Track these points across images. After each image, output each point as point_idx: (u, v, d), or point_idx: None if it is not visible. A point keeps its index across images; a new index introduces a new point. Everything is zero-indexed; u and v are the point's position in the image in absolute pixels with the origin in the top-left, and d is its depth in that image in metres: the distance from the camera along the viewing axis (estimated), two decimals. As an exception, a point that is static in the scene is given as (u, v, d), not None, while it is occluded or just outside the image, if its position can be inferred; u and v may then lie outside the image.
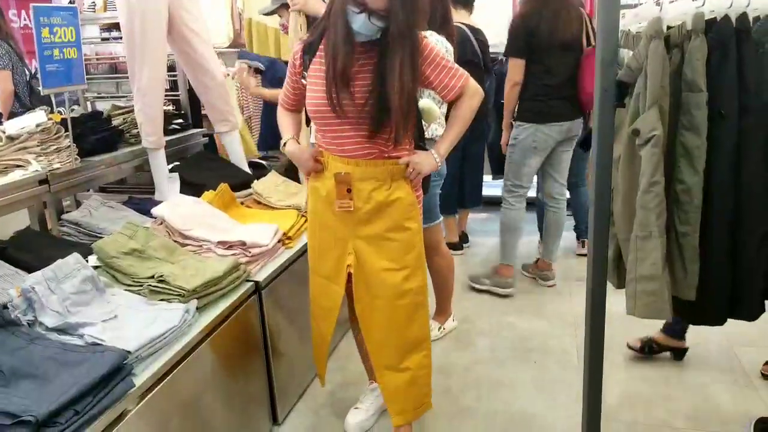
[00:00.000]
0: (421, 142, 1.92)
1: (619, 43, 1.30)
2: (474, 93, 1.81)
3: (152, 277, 1.84)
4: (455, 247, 3.91)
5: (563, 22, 2.86)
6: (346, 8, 1.63)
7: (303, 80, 1.80)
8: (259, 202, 2.79)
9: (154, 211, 2.27)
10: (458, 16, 3.46)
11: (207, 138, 3.48)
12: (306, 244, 2.45)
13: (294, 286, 2.35)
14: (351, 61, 1.66)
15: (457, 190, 3.88)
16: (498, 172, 4.55)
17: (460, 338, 2.87)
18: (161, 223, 2.24)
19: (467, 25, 3.46)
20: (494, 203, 4.61)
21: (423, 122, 1.99)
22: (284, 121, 1.96)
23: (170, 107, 3.40)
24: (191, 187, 2.82)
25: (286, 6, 3.07)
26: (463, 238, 4.10)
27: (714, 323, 1.28)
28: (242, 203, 2.77)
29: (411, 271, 1.83)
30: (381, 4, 1.59)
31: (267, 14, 3.35)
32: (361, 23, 1.61)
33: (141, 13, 2.58)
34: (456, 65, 1.81)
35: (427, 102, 2.03)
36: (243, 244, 2.16)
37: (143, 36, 2.60)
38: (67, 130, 2.46)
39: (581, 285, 1.83)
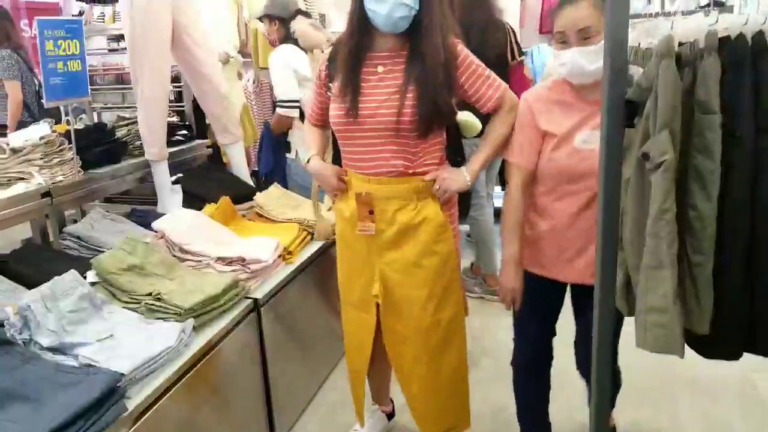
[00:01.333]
0: (459, 158, 1.80)
1: (627, 59, 1.25)
2: (512, 106, 1.67)
3: (150, 294, 1.81)
4: None
5: (491, 38, 2.83)
6: None
7: (328, 93, 1.72)
8: (260, 215, 2.76)
9: (155, 224, 2.25)
10: None
11: (211, 149, 3.46)
12: (307, 258, 2.43)
13: (294, 303, 2.31)
14: (365, 54, 1.59)
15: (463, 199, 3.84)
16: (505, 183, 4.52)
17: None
18: (161, 237, 2.21)
19: None
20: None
21: (463, 137, 1.84)
22: (309, 136, 1.89)
23: (174, 118, 3.38)
24: (194, 199, 2.80)
25: (269, 18, 3.06)
26: None
27: (729, 358, 1.22)
28: (244, 216, 2.74)
29: (443, 299, 1.70)
30: None
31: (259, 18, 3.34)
32: (389, 6, 1.50)
33: (144, 23, 2.57)
34: (493, 74, 1.69)
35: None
36: (242, 260, 2.13)
37: (146, 46, 2.59)
38: (70, 142, 2.44)
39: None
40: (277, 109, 2.94)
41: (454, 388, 1.82)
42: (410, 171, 1.64)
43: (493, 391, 2.47)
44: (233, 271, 2.09)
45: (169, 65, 2.77)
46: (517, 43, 2.95)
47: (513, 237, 1.69)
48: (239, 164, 3.13)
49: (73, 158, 2.45)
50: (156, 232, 2.25)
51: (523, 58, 2.98)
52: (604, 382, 1.37)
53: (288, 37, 2.96)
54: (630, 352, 1.45)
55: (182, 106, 3.57)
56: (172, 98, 3.67)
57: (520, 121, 1.67)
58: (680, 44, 1.23)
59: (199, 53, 2.86)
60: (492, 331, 3.02)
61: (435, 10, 1.56)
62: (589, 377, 1.50)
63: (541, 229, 1.68)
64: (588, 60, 1.51)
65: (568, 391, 2.20)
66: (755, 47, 1.14)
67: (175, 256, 2.15)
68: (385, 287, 1.72)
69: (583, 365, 1.85)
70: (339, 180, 1.72)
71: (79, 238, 2.29)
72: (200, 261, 2.16)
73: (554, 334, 1.88)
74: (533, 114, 1.64)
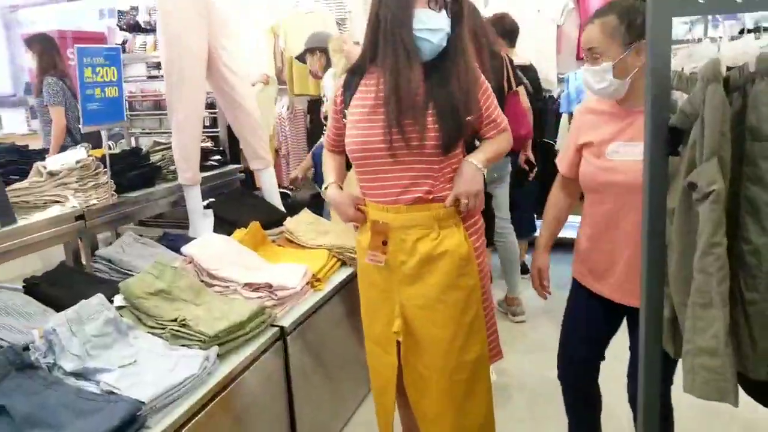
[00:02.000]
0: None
1: (671, 85, 1.19)
2: (509, 140, 1.76)
3: (175, 320, 1.79)
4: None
5: (489, 67, 2.80)
6: (410, 19, 1.51)
7: (344, 119, 1.70)
8: (290, 241, 2.74)
9: (184, 249, 2.24)
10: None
11: (244, 174, 3.48)
12: (337, 285, 2.39)
13: (322, 332, 2.26)
14: (418, 84, 1.55)
15: (489, 226, 3.80)
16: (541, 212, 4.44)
17: (496, 394, 2.70)
18: (190, 262, 2.21)
19: (517, 65, 3.40)
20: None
21: None
22: (328, 163, 1.84)
23: (209, 143, 3.43)
24: (225, 224, 2.80)
25: (311, 51, 3.25)
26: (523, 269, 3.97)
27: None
28: (274, 241, 2.73)
29: (469, 338, 1.62)
30: None
31: (298, 58, 3.56)
32: (441, 35, 1.54)
33: (181, 51, 2.61)
34: (500, 112, 1.74)
35: None
36: (269, 286, 2.10)
37: (182, 73, 2.63)
38: (106, 166, 2.48)
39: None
40: None
41: None
42: (431, 196, 1.59)
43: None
44: (260, 297, 2.06)
45: (204, 92, 2.81)
46: (514, 73, 3.01)
47: (545, 229, 1.92)
48: (270, 189, 3.14)
49: (107, 182, 2.48)
50: (185, 256, 2.24)
51: (518, 89, 3.03)
52: (651, 425, 1.27)
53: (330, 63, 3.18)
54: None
55: (217, 132, 3.62)
56: (207, 124, 3.73)
57: (571, 128, 1.82)
58: (727, 68, 1.16)
59: (234, 81, 2.89)
60: (522, 364, 2.91)
61: (462, 36, 1.58)
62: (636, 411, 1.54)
63: (584, 236, 1.79)
64: (594, 79, 1.61)
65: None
66: (812, 71, 1.06)
67: (203, 281, 2.14)
68: (407, 324, 1.64)
69: (632, 397, 1.82)
70: (356, 210, 1.68)
71: (110, 261, 2.30)
72: (228, 286, 2.13)
73: (601, 357, 1.88)
74: (577, 127, 1.77)
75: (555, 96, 4.44)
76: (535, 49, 4.28)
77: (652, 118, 1.20)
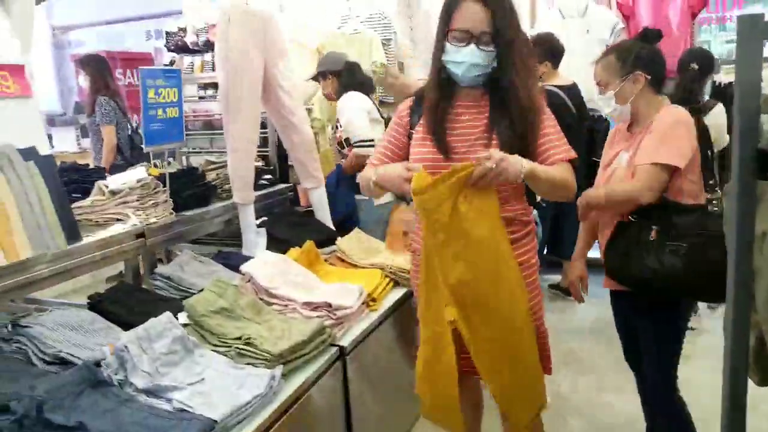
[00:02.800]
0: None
1: (760, 108, 1.17)
2: (571, 172, 1.71)
3: (240, 338, 1.81)
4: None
5: None
6: (442, 49, 1.67)
7: (409, 138, 1.79)
8: (342, 260, 2.75)
9: (243, 268, 2.27)
10: (549, 78, 3.42)
11: (292, 192, 3.53)
12: (391, 306, 2.38)
13: (378, 352, 2.26)
14: (450, 103, 1.72)
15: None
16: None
17: (550, 418, 2.65)
18: (249, 281, 2.23)
19: (559, 86, 3.40)
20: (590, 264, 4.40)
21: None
22: (367, 171, 1.82)
23: (260, 163, 3.48)
24: (278, 243, 2.83)
25: (323, 75, 3.35)
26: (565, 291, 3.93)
27: None
28: (326, 260, 2.74)
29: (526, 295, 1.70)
30: (483, 24, 1.61)
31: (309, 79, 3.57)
32: (464, 67, 1.65)
33: (239, 72, 2.67)
34: (564, 138, 1.75)
35: None
36: (328, 305, 2.10)
37: (239, 94, 2.69)
38: (164, 185, 2.54)
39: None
40: (355, 149, 3.06)
41: (536, 374, 1.76)
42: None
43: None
44: (319, 316, 2.07)
45: (259, 113, 2.86)
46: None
47: (580, 239, 2.23)
48: (321, 208, 3.17)
49: (167, 200, 2.54)
50: (243, 274, 2.27)
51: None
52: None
53: (348, 86, 3.23)
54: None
55: (266, 151, 3.67)
56: (258, 144, 3.78)
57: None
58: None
59: (289, 102, 2.95)
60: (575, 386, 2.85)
61: (514, 67, 1.65)
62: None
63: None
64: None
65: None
66: None
67: (261, 299, 2.16)
68: (461, 304, 1.64)
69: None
70: (407, 170, 1.65)
71: (169, 278, 2.34)
72: (287, 305, 2.15)
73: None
74: (608, 141, 2.11)
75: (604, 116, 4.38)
76: (585, 69, 4.24)
77: (741, 142, 1.18)
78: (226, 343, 1.82)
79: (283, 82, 2.92)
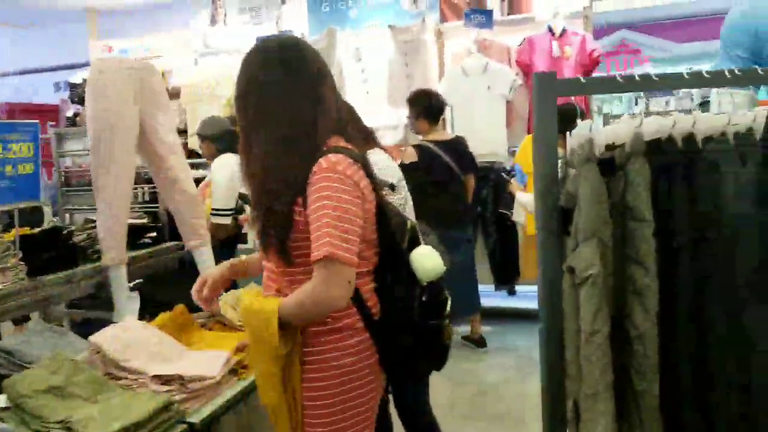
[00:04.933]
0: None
1: (557, 164, 1.16)
2: (331, 286, 1.23)
3: (61, 422, 1.63)
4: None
5: None
6: None
7: None
8: (221, 323, 2.60)
9: (92, 338, 2.09)
10: (427, 134, 3.48)
11: (182, 250, 3.38)
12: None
13: (244, 424, 2.09)
14: None
15: None
16: (501, 281, 4.38)
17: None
18: (98, 352, 2.05)
19: (438, 141, 3.46)
20: (500, 315, 4.40)
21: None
22: None
23: (144, 220, 3.33)
24: (159, 307, 2.67)
25: (201, 138, 3.43)
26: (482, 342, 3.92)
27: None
28: (204, 324, 2.58)
29: None
30: None
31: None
32: None
33: (108, 122, 2.58)
34: (342, 225, 1.22)
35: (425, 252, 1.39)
36: (180, 378, 1.95)
37: (109, 146, 2.58)
38: (17, 248, 2.36)
39: None
40: (212, 218, 3.10)
41: None
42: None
43: None
44: (169, 391, 1.91)
45: (133, 168, 2.75)
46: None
47: None
48: (206, 269, 3.02)
49: (17, 265, 2.35)
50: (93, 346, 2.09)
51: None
52: None
53: (224, 150, 3.24)
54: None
55: (156, 207, 3.53)
56: (147, 199, 3.65)
57: None
58: (611, 147, 1.13)
59: (168, 156, 2.85)
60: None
61: None
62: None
63: None
64: None
65: None
66: (687, 150, 1.04)
67: (109, 373, 1.98)
68: None
69: None
70: None
71: (9, 354, 2.13)
72: (136, 379, 1.98)
73: None
74: None
75: (508, 168, 4.49)
76: (486, 123, 4.37)
77: (542, 198, 1.16)
78: (47, 427, 1.64)
79: (165, 137, 2.83)
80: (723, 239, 0.97)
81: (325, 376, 1.37)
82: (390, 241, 1.36)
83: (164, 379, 1.97)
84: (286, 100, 1.29)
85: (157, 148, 2.80)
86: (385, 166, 2.40)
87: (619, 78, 1.13)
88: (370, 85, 4.66)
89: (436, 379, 3.25)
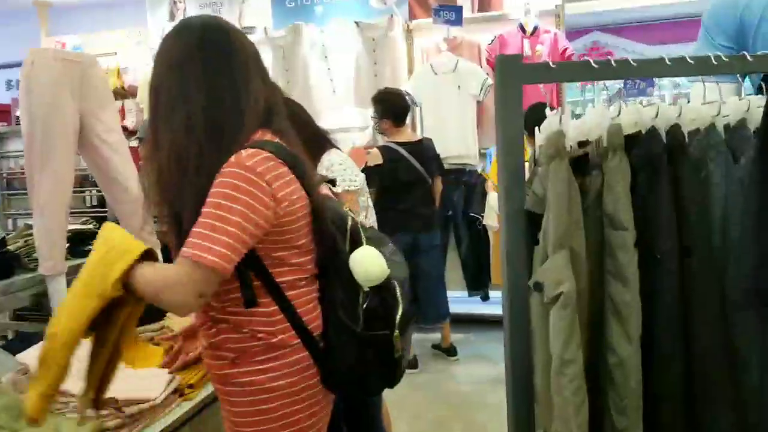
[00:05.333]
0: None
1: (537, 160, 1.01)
2: (178, 287, 1.07)
3: (-33, 458, 1.43)
4: (409, 364, 3.54)
5: None
6: None
7: None
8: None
9: (20, 357, 1.89)
10: (392, 135, 3.37)
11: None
12: (213, 392, 2.06)
13: (189, 449, 1.91)
14: None
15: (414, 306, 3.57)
16: (473, 287, 4.26)
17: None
18: (26, 373, 1.85)
19: (403, 143, 3.34)
20: (473, 321, 4.27)
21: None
22: None
23: (90, 225, 3.11)
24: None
25: (140, 141, 3.22)
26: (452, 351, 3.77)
27: None
28: (152, 339, 2.39)
29: None
30: None
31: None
32: None
33: (42, 117, 2.38)
34: (221, 227, 1.07)
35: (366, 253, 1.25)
36: (114, 401, 1.76)
37: (44, 143, 2.38)
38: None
39: None
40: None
41: None
42: None
43: None
44: (100, 416, 1.72)
45: (72, 169, 2.55)
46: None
47: None
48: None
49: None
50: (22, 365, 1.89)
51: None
52: None
53: None
54: None
55: (104, 212, 3.31)
56: (94, 203, 3.43)
57: None
58: (583, 144, 0.99)
59: (110, 156, 2.65)
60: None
61: None
62: None
63: None
64: None
65: None
66: (671, 144, 0.90)
67: (35, 397, 1.78)
68: None
69: None
70: None
71: (-76, 375, 1.91)
72: (66, 403, 1.78)
73: None
74: None
75: (479, 170, 4.38)
76: (456, 124, 4.25)
77: (506, 201, 1.01)
78: (-50, 463, 1.44)
79: (107, 136, 2.63)
80: (713, 249, 0.83)
81: (257, 400, 1.20)
82: (329, 244, 1.21)
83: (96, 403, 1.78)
84: (209, 90, 1.13)
85: (98, 148, 2.61)
86: (343, 168, 2.26)
87: (593, 63, 0.99)
88: (336, 84, 4.49)
89: (404, 390, 3.11)
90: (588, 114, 1.04)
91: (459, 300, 4.26)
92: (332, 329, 1.21)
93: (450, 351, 3.79)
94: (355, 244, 1.22)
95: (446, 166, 3.83)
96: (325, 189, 1.47)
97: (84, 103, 2.52)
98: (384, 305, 1.20)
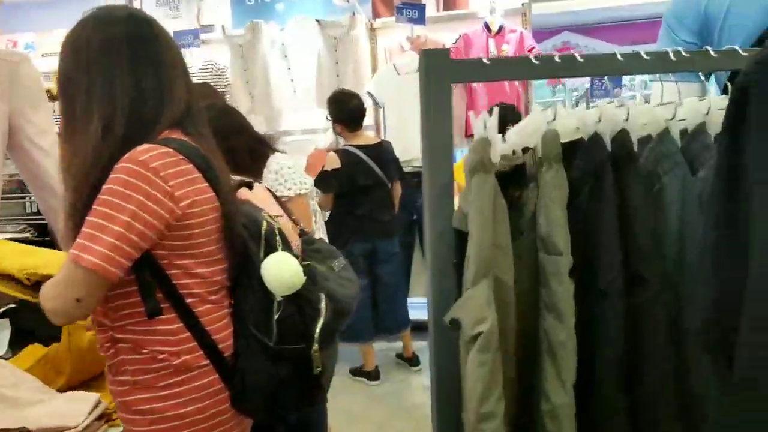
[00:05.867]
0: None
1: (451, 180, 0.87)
2: (53, 286, 1.01)
3: None
4: (370, 376, 3.38)
5: None
6: None
7: None
8: (103, 357, 2.23)
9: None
10: (349, 138, 3.25)
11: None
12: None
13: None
14: None
15: (373, 315, 3.42)
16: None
17: None
18: None
19: (361, 145, 3.21)
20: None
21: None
22: None
23: (28, 234, 2.92)
24: (28, 337, 2.27)
25: None
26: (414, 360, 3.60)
27: None
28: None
29: None
30: None
31: None
32: None
33: None
34: (107, 225, 0.97)
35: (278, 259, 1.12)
36: (26, 431, 1.58)
37: None
38: None
39: None
40: None
41: None
42: None
43: None
44: (3, 453, 1.54)
45: (0, 174, 2.35)
46: None
47: None
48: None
49: None
50: None
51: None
52: None
53: None
54: None
55: (44, 220, 3.12)
56: (34, 210, 3.23)
57: None
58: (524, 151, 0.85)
59: (41, 159, 2.46)
60: None
61: None
62: None
63: None
64: None
65: None
66: (617, 153, 0.76)
67: (-67, 430, 1.60)
68: None
69: None
70: None
71: None
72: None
73: None
74: None
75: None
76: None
77: (431, 218, 0.86)
78: None
79: (38, 138, 2.43)
80: (666, 277, 0.69)
81: (160, 429, 1.06)
82: (239, 249, 1.09)
83: (4, 436, 1.60)
84: (134, 90, 1.02)
85: (28, 151, 2.41)
86: (292, 171, 2.13)
87: (534, 60, 0.86)
88: (297, 84, 4.34)
89: (364, 399, 2.97)
90: (529, 117, 0.91)
91: (424, 306, 4.14)
92: (242, 343, 1.08)
93: (412, 361, 3.67)
94: (271, 249, 1.10)
95: (410, 168, 3.71)
96: (246, 194, 1.34)
97: (13, 104, 2.33)
98: (302, 316, 1.08)
